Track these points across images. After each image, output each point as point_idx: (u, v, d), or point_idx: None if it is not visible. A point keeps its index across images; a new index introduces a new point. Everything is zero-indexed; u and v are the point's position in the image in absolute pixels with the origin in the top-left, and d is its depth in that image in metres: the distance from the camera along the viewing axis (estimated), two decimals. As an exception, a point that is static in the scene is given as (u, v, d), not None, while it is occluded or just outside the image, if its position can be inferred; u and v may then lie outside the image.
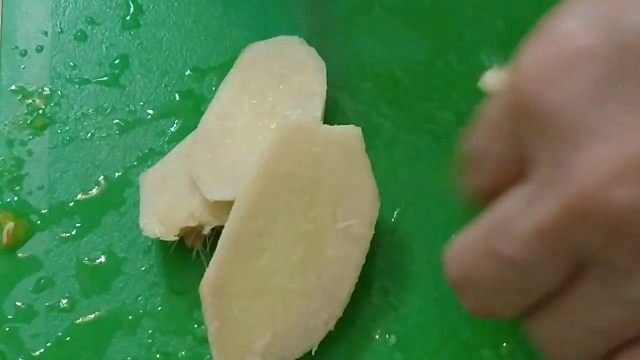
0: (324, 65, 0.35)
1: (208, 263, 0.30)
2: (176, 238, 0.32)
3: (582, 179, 0.20)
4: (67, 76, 0.37)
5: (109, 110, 0.37)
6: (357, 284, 0.31)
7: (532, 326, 0.25)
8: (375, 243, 0.32)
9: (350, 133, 0.31)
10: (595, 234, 0.21)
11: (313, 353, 0.30)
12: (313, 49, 0.36)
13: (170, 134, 0.36)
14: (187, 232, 0.32)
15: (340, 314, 0.31)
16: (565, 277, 0.22)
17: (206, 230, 0.32)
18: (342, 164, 0.31)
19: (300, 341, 0.30)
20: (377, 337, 0.32)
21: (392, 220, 0.34)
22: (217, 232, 0.31)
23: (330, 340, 0.31)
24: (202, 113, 0.35)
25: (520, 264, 0.22)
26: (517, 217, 0.22)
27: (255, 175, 0.30)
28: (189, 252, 0.33)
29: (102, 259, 0.33)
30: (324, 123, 0.33)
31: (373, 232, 0.31)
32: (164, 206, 0.33)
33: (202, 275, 0.30)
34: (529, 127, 0.22)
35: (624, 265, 0.21)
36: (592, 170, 0.20)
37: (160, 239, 0.32)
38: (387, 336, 0.32)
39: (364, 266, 0.31)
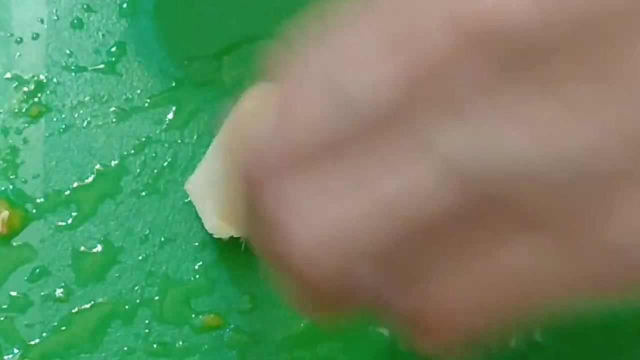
0: None
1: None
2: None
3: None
4: (64, 64, 0.37)
5: (105, 98, 0.36)
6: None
7: None
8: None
9: None
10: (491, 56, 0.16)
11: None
12: None
13: (167, 122, 0.36)
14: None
15: None
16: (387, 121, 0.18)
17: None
18: None
19: None
20: (376, 327, 0.32)
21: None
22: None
23: (327, 331, 0.31)
24: (199, 101, 0.34)
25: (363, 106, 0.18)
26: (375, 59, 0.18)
27: None
28: (187, 241, 0.32)
29: (99, 248, 0.33)
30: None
31: None
32: (224, 207, 0.32)
33: (199, 266, 0.30)
34: None
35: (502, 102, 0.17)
36: None
37: (235, 237, 0.31)
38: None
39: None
